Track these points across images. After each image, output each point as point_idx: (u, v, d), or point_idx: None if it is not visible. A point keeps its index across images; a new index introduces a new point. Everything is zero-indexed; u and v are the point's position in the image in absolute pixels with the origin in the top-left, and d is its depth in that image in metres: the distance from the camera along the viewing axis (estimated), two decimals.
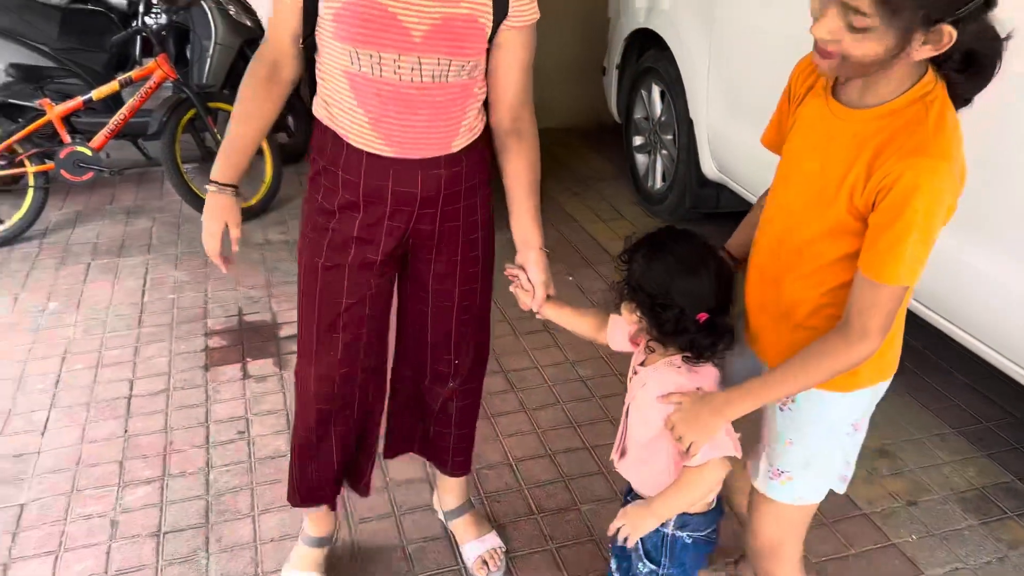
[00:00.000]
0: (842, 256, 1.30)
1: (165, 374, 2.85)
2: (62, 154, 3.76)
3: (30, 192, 3.81)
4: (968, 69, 1.19)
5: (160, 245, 3.85)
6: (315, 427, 1.84)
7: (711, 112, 3.34)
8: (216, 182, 1.69)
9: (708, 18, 3.30)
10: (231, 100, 4.05)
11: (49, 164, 3.79)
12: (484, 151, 1.73)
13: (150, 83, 3.86)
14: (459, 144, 1.64)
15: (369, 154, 1.60)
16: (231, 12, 4.39)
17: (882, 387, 1.45)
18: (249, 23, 4.47)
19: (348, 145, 1.61)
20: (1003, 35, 1.15)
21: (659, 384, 1.43)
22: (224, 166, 1.69)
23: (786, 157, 1.40)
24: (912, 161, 1.15)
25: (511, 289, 1.73)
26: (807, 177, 1.31)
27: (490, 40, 1.56)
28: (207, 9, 4.29)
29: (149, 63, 3.99)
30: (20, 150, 3.74)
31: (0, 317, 3.22)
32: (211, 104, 3.98)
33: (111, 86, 3.80)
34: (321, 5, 1.50)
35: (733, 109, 3.22)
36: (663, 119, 3.86)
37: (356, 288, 1.71)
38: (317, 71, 1.62)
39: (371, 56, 1.49)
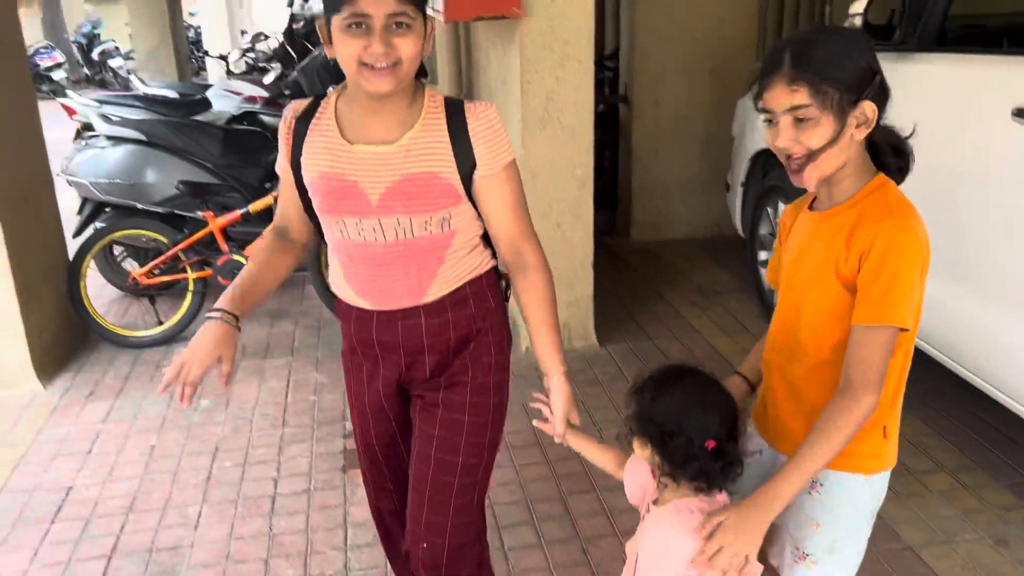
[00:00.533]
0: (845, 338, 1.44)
1: (306, 474, 3.00)
2: (220, 262, 4.08)
3: (188, 296, 4.15)
4: (898, 156, 1.49)
5: (302, 348, 4.09)
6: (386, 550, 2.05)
7: None
8: (221, 309, 1.62)
9: None
10: None
11: (208, 271, 4.12)
12: (488, 294, 1.76)
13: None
14: (434, 294, 1.68)
15: (358, 309, 1.72)
16: None
17: (888, 474, 1.55)
18: None
19: (345, 304, 1.75)
20: (907, 134, 1.51)
21: (673, 528, 1.43)
22: (233, 297, 1.65)
23: (785, 271, 1.58)
24: (883, 224, 1.37)
25: (534, 423, 1.75)
26: (804, 277, 1.50)
27: (468, 190, 1.62)
28: None
29: None
30: (183, 257, 4.09)
31: (157, 413, 3.47)
32: None
33: (266, 200, 4.13)
34: (303, 178, 1.64)
35: None
36: None
37: (371, 429, 1.86)
38: (326, 241, 1.75)
39: (339, 222, 1.61)
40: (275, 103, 5.64)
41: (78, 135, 5.20)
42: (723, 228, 5.25)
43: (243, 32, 15.30)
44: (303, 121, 1.64)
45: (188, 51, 9.90)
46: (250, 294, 1.69)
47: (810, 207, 1.54)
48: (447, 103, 1.63)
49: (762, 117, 1.44)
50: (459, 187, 1.61)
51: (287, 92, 5.36)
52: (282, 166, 1.69)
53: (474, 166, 1.60)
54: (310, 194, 1.64)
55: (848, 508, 1.52)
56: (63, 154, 4.44)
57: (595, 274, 3.91)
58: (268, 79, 6.01)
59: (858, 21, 3.06)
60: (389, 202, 1.57)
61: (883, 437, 1.49)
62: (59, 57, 15.31)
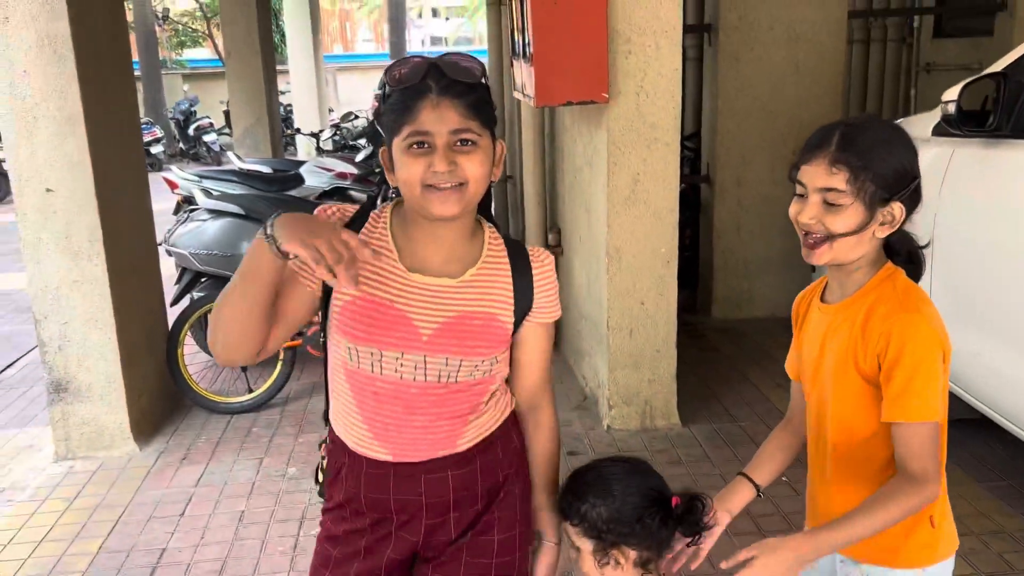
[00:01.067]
0: (877, 431, 1.45)
1: None
2: (310, 332, 4.21)
3: (279, 364, 4.28)
4: (911, 263, 1.51)
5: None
6: None
7: None
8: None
9: (929, 226, 3.32)
10: None
11: (297, 340, 4.25)
12: (513, 434, 1.61)
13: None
14: (467, 442, 1.52)
15: (369, 460, 1.50)
16: None
17: (951, 561, 1.52)
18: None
19: (349, 451, 1.52)
20: (923, 244, 1.54)
21: None
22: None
23: (807, 365, 1.58)
24: (895, 319, 1.39)
25: None
26: (826, 372, 1.51)
27: (513, 335, 1.53)
28: None
29: None
30: None
31: (247, 479, 3.56)
32: None
33: None
34: (334, 296, 1.47)
35: (962, 317, 3.16)
36: None
37: None
38: (328, 373, 1.55)
39: (371, 353, 1.43)
40: (365, 180, 5.87)
41: (178, 208, 5.49)
42: None
43: (330, 110, 15.99)
44: (350, 227, 1.48)
45: (282, 129, 10.39)
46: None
47: (822, 299, 1.56)
48: (507, 242, 1.54)
49: (796, 188, 1.46)
50: (511, 331, 1.52)
51: (377, 169, 5.57)
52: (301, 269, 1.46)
53: (528, 311, 1.52)
54: (336, 314, 1.46)
55: None
56: (163, 225, 4.68)
57: (677, 352, 3.91)
58: (359, 157, 6.26)
59: (951, 107, 3.06)
60: (442, 339, 1.44)
61: (931, 527, 1.48)
62: (158, 132, 16.18)
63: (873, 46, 6.73)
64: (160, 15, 23.97)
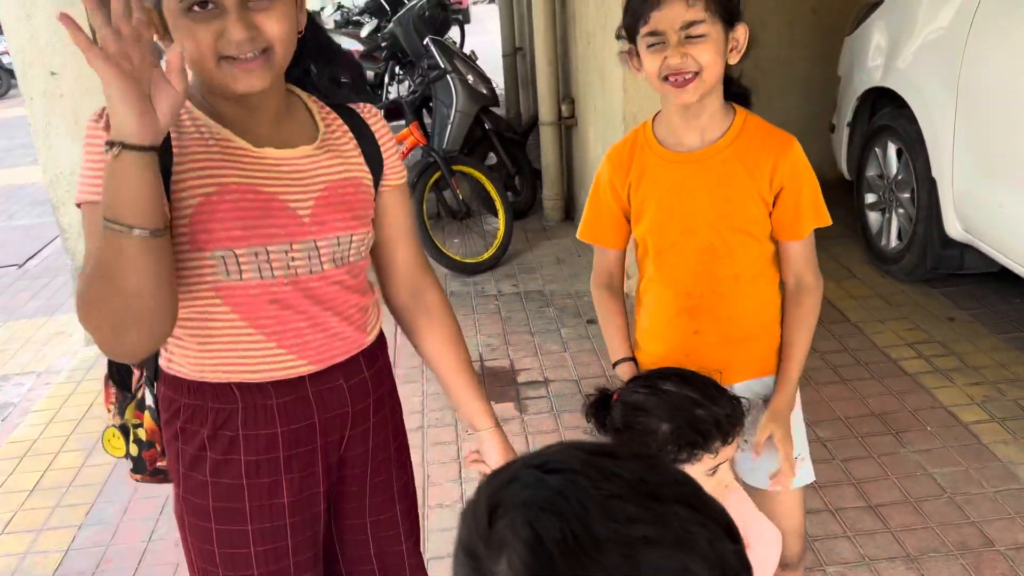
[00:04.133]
0: (762, 259, 1.56)
1: (419, 412, 3.11)
2: None
3: None
4: (745, 98, 1.57)
5: None
6: None
7: (958, 171, 3.24)
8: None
9: (952, 76, 3.23)
10: (470, 163, 4.42)
11: None
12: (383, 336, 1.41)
13: (403, 148, 4.26)
14: (372, 330, 1.34)
15: (279, 386, 1.23)
16: (469, 81, 4.76)
17: None
18: (485, 91, 4.83)
19: (243, 388, 1.22)
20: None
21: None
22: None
23: (666, 214, 1.54)
24: (785, 149, 1.49)
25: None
26: (705, 210, 1.52)
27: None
28: (449, 80, 4.69)
29: (401, 131, 4.41)
30: None
31: None
32: (454, 167, 4.32)
33: None
34: (176, 202, 1.14)
35: (984, 168, 3.11)
36: (900, 177, 3.77)
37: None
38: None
39: (256, 254, 1.16)
40: (371, 56, 5.74)
41: None
42: (825, 171, 5.04)
43: None
44: None
45: None
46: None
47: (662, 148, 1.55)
48: (327, 102, 1.32)
49: (646, 42, 1.42)
50: (373, 198, 1.31)
51: (384, 44, 5.44)
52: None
53: (382, 172, 1.32)
54: (189, 223, 1.14)
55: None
56: None
57: None
58: (364, 32, 6.10)
59: None
60: (324, 217, 1.22)
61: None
62: None
63: None
64: None
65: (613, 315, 1.68)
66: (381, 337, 1.39)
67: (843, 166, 4.36)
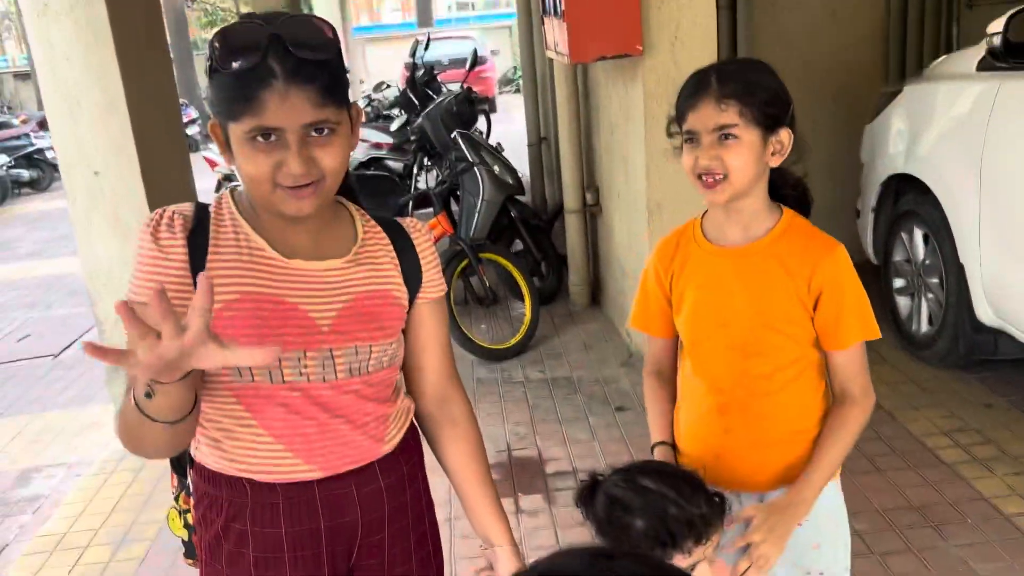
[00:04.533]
0: (800, 363, 1.52)
1: (447, 502, 3.08)
2: None
3: None
4: (799, 198, 1.57)
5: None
6: None
7: (986, 256, 3.24)
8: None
9: (975, 161, 3.26)
10: (496, 250, 4.48)
11: None
12: (418, 436, 1.44)
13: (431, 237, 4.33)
14: (391, 440, 1.34)
15: (287, 487, 1.26)
16: (496, 171, 4.87)
17: None
18: (511, 180, 4.93)
19: (254, 485, 1.26)
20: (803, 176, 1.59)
21: None
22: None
23: (702, 306, 1.55)
24: (828, 254, 1.48)
25: None
26: (746, 312, 1.51)
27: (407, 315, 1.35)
28: (476, 171, 4.79)
29: (429, 220, 4.50)
30: None
31: None
32: (481, 254, 4.39)
33: None
34: None
35: (1012, 252, 3.11)
36: (927, 262, 3.77)
37: None
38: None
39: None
40: (400, 149, 5.90)
41: (219, 186, 5.58)
42: (852, 255, 5.11)
43: (361, 81, 16.00)
44: (200, 234, 1.22)
45: None
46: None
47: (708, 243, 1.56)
48: (375, 217, 1.36)
49: (682, 139, 1.47)
50: (407, 310, 1.34)
51: (413, 137, 5.60)
52: (151, 292, 1.01)
53: (419, 288, 1.35)
54: (221, 328, 1.15)
55: (837, 514, 1.61)
56: None
57: None
58: (394, 126, 6.29)
59: (997, 40, 2.98)
60: (344, 328, 1.25)
61: None
62: (193, 113, 16.35)
63: None
64: None
65: (659, 399, 1.68)
66: (407, 445, 1.38)
67: (869, 251, 4.36)
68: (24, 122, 14.60)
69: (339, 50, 1.20)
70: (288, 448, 1.25)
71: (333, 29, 1.20)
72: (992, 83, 3.19)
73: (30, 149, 12.82)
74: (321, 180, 1.17)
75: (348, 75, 1.29)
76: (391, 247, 1.33)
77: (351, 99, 1.23)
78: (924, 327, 3.87)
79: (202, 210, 1.26)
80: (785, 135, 1.45)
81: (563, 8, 3.47)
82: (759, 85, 1.44)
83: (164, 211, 1.24)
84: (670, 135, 1.51)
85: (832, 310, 1.49)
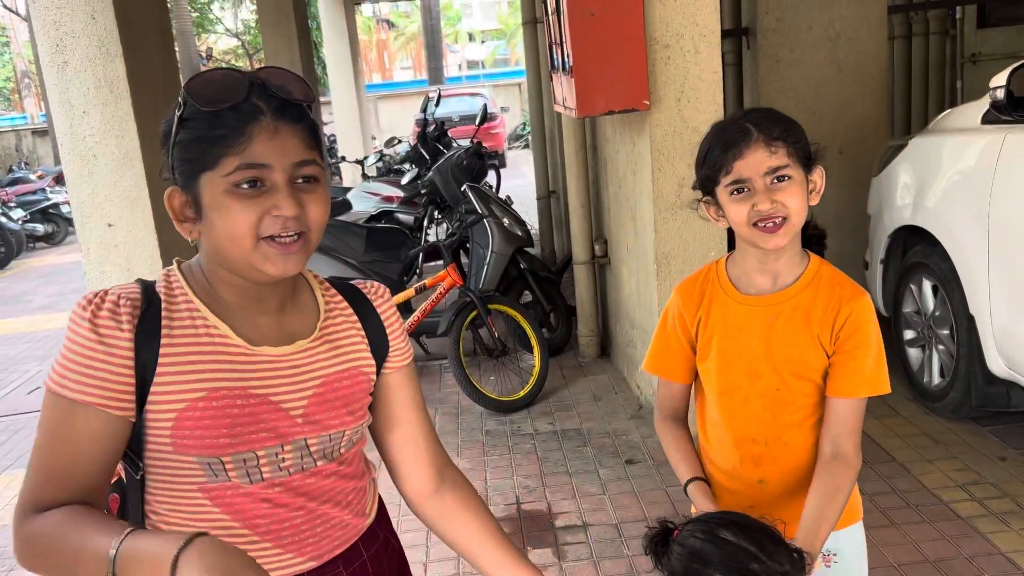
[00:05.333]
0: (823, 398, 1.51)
1: (455, 559, 3.04)
2: None
3: None
4: (821, 242, 1.58)
5: (441, 434, 4.18)
6: None
7: (996, 308, 3.23)
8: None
9: (983, 213, 3.27)
10: (505, 302, 4.50)
11: None
12: (384, 508, 1.36)
13: (440, 289, 4.36)
14: (372, 513, 1.29)
15: None
16: (505, 224, 4.91)
17: None
18: (520, 233, 4.96)
19: None
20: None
21: None
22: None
23: (732, 355, 1.53)
24: (860, 301, 1.48)
25: None
26: (770, 355, 1.50)
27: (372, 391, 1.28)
28: (486, 223, 4.83)
29: (439, 272, 4.52)
30: None
31: None
32: (490, 305, 4.40)
33: (408, 292, 4.34)
34: (150, 411, 1.08)
35: (1017, 304, 3.10)
36: (937, 314, 3.76)
37: None
38: (149, 505, 1.15)
39: (244, 460, 1.11)
40: (411, 202, 5.96)
41: None
42: None
43: (373, 137, 16.23)
44: (149, 321, 1.09)
45: (328, 157, 10.62)
46: None
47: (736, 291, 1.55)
48: (332, 282, 1.29)
49: (728, 192, 1.44)
50: (373, 383, 1.26)
51: (424, 191, 5.66)
52: (103, 393, 1.05)
53: (386, 355, 1.27)
54: (169, 432, 1.09)
55: (862, 553, 1.62)
56: None
57: None
58: (405, 179, 6.37)
59: (1000, 93, 3.02)
60: (317, 416, 1.17)
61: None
62: None
63: (915, 40, 6.65)
64: (204, 54, 24.63)
65: (679, 440, 1.64)
66: (380, 510, 1.33)
67: (879, 303, 4.35)
68: (40, 177, 14.82)
69: (312, 106, 1.15)
70: (276, 545, 1.16)
71: (304, 80, 1.15)
72: (997, 135, 3.21)
73: (45, 204, 13.00)
74: (305, 235, 1.09)
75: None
76: (354, 316, 1.25)
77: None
78: (936, 379, 3.84)
79: (150, 291, 1.13)
80: (818, 174, 1.47)
81: (571, 64, 3.54)
82: (795, 125, 1.46)
83: (106, 294, 1.10)
84: (708, 192, 1.50)
85: (848, 357, 1.47)
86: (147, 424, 1.09)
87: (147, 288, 1.13)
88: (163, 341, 1.09)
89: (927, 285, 3.82)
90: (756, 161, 1.41)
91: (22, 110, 30.71)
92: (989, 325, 3.28)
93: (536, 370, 4.45)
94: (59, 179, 13.90)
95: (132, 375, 1.07)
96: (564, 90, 3.89)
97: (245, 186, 1.05)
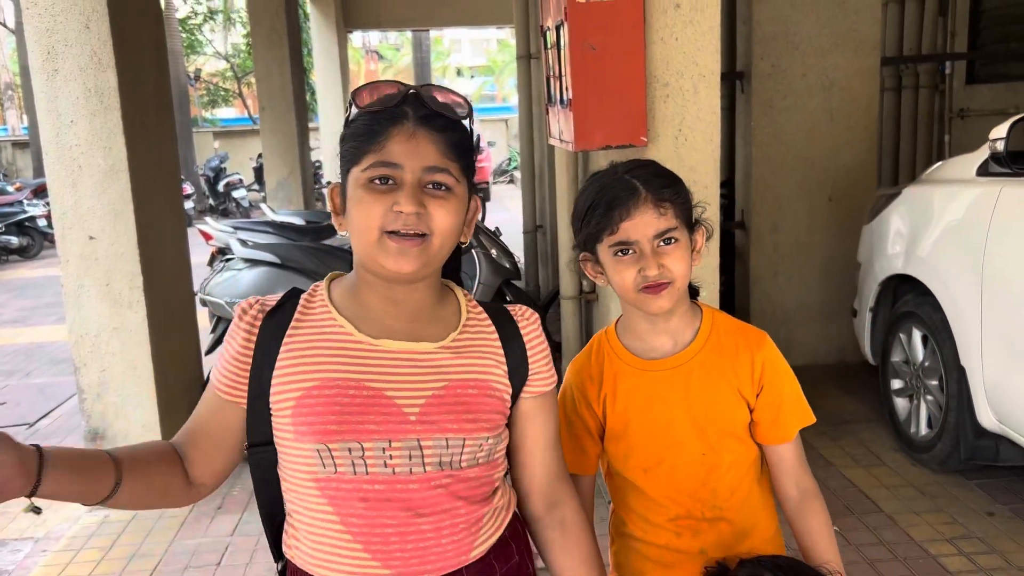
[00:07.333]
0: (755, 464, 1.49)
1: None
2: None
3: None
4: (695, 293, 1.51)
5: None
6: None
7: (988, 360, 3.21)
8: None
9: (977, 264, 3.26)
10: None
11: None
12: (525, 538, 1.33)
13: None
14: (482, 544, 1.22)
15: None
16: (493, 255, 4.86)
17: None
18: (508, 265, 4.92)
19: None
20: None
21: None
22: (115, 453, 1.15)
23: (650, 433, 1.44)
24: (766, 347, 1.45)
25: None
26: (690, 419, 1.43)
27: (510, 413, 1.27)
28: (474, 254, 4.79)
29: None
30: None
31: None
32: None
33: None
34: (272, 401, 1.18)
35: (1016, 358, 3.08)
36: (926, 364, 3.74)
37: None
38: (284, 491, 1.23)
39: (350, 449, 1.14)
40: None
41: (212, 259, 5.53)
42: (847, 355, 5.10)
43: None
44: (276, 318, 1.21)
45: (313, 182, 10.55)
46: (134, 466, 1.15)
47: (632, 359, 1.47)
48: (483, 304, 1.32)
49: (611, 252, 1.37)
50: (509, 403, 1.26)
51: None
52: (220, 379, 1.21)
53: (525, 381, 1.26)
54: (288, 417, 1.17)
55: None
56: (197, 278, 4.70)
57: None
58: None
59: (1000, 146, 3.03)
60: (434, 417, 1.17)
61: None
62: (188, 188, 16.43)
63: (905, 93, 6.74)
64: (192, 75, 24.60)
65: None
66: (504, 547, 1.26)
67: (867, 351, 4.34)
68: (19, 189, 14.61)
69: (470, 127, 1.22)
70: (366, 549, 1.16)
71: (469, 103, 1.23)
72: (993, 188, 3.22)
73: (21, 216, 12.80)
74: (429, 237, 1.15)
75: (475, 159, 1.26)
76: (496, 336, 1.26)
77: (471, 184, 1.23)
78: (923, 430, 3.81)
79: (291, 296, 1.24)
80: (700, 235, 1.43)
81: (570, 97, 3.51)
82: (681, 184, 1.41)
83: (249, 301, 1.25)
84: (589, 250, 1.42)
85: (773, 402, 1.45)
86: (272, 413, 1.19)
87: (290, 294, 1.25)
88: (287, 336, 1.19)
89: (917, 335, 3.81)
90: (644, 223, 1.34)
91: (3, 122, 30.46)
92: (980, 377, 3.26)
93: None
94: (37, 192, 13.71)
95: (246, 367, 1.19)
96: (561, 124, 3.86)
97: (377, 182, 1.14)
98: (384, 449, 1.14)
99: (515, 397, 1.26)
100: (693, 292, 1.50)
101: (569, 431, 1.49)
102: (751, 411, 1.45)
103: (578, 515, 1.32)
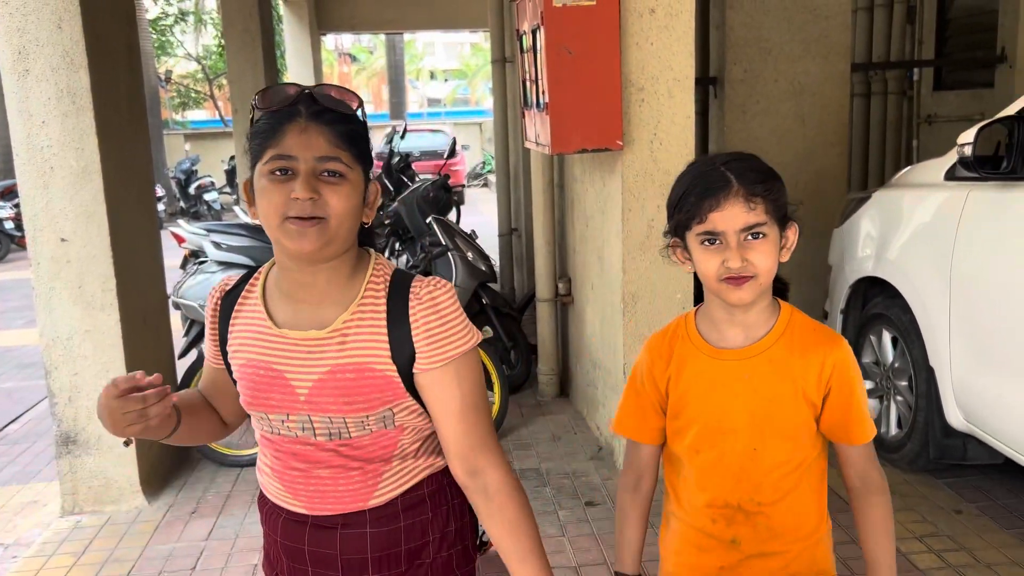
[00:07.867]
0: (803, 467, 1.48)
1: None
2: None
3: None
4: (781, 283, 1.52)
5: None
6: None
7: (956, 361, 3.27)
8: None
9: (945, 266, 3.33)
10: None
11: None
12: (449, 491, 1.45)
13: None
14: (382, 495, 1.39)
15: (287, 511, 1.43)
16: (469, 257, 4.87)
17: None
18: (484, 268, 4.92)
19: (269, 501, 1.47)
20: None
21: None
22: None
23: (704, 418, 1.49)
24: (835, 350, 1.45)
25: None
26: (747, 411, 1.46)
27: (410, 384, 1.35)
28: (450, 256, 4.79)
29: None
30: None
31: (258, 533, 3.45)
32: None
33: None
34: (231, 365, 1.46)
35: (983, 357, 3.14)
36: (896, 365, 3.80)
37: None
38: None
39: (261, 417, 1.40)
40: (372, 233, 5.89)
41: (185, 262, 5.48)
42: None
43: None
44: (229, 299, 1.45)
45: None
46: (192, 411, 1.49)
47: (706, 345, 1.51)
48: (394, 279, 1.38)
49: (698, 242, 1.40)
50: (398, 380, 1.34)
51: (387, 222, 5.60)
52: (208, 349, 1.51)
53: (412, 360, 1.34)
54: (237, 383, 1.43)
55: None
56: (170, 281, 4.67)
57: None
58: None
59: (968, 150, 3.09)
60: (319, 398, 1.34)
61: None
62: (160, 191, 16.28)
63: (874, 99, 6.85)
64: (163, 77, 24.35)
65: (632, 522, 1.59)
66: (419, 502, 1.42)
67: None
68: None
69: (362, 119, 1.36)
70: (281, 482, 1.43)
71: (360, 100, 1.36)
72: (960, 192, 3.29)
73: None
74: (325, 220, 1.28)
75: (371, 148, 1.39)
76: (384, 317, 1.34)
77: (367, 171, 1.35)
78: (893, 430, 3.87)
79: (246, 277, 1.46)
80: (792, 231, 1.43)
81: (547, 101, 3.54)
82: (776, 180, 1.41)
83: (224, 280, 1.49)
84: (679, 236, 1.44)
85: (842, 407, 1.46)
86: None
87: (245, 276, 1.46)
88: (233, 316, 1.43)
89: (887, 336, 3.87)
90: (732, 215, 1.35)
91: None
92: (949, 378, 3.32)
93: (496, 407, 4.38)
94: (4, 194, 13.50)
95: (216, 339, 1.47)
96: (537, 127, 3.89)
97: (277, 173, 1.28)
98: (283, 421, 1.38)
99: (406, 372, 1.34)
100: (781, 289, 1.52)
101: (636, 400, 1.57)
102: (819, 414, 1.46)
103: (504, 484, 1.36)
